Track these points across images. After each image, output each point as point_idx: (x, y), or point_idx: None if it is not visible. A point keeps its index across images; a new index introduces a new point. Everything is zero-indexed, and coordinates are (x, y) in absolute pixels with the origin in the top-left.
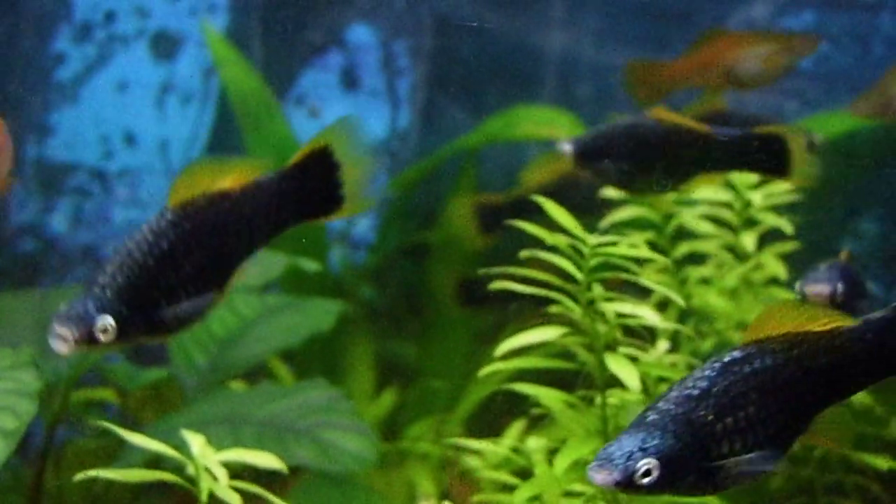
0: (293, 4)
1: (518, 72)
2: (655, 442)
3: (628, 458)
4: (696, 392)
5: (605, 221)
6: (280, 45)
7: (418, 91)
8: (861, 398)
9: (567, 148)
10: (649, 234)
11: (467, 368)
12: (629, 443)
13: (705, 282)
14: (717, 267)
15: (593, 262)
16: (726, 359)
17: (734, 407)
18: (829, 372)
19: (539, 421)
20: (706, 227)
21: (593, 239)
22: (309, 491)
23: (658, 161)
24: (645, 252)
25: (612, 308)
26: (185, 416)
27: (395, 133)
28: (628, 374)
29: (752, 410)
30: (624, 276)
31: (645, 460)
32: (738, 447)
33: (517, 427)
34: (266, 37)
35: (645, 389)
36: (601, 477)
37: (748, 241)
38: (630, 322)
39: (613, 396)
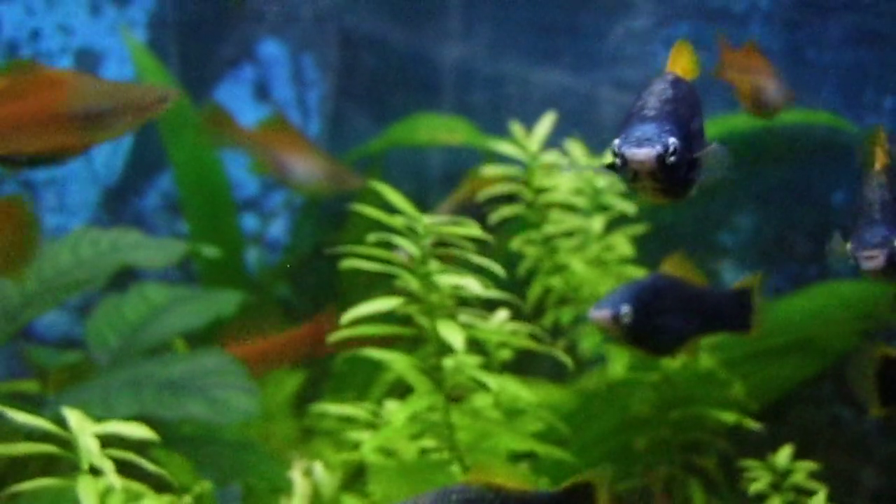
0: (207, 21)
1: (419, 82)
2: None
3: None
4: None
5: (494, 217)
6: (196, 59)
7: (327, 101)
8: (705, 363)
9: None
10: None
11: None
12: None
13: (575, 251)
14: (580, 245)
15: (426, 239)
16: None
17: None
18: None
19: None
20: (560, 210)
21: (427, 219)
22: (202, 449)
23: None
24: (475, 231)
25: (446, 280)
26: (92, 383)
27: None
28: (453, 336)
29: None
30: (455, 252)
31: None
32: None
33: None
34: (183, 52)
35: (486, 353)
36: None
37: (596, 224)
38: (462, 293)
39: (451, 359)
